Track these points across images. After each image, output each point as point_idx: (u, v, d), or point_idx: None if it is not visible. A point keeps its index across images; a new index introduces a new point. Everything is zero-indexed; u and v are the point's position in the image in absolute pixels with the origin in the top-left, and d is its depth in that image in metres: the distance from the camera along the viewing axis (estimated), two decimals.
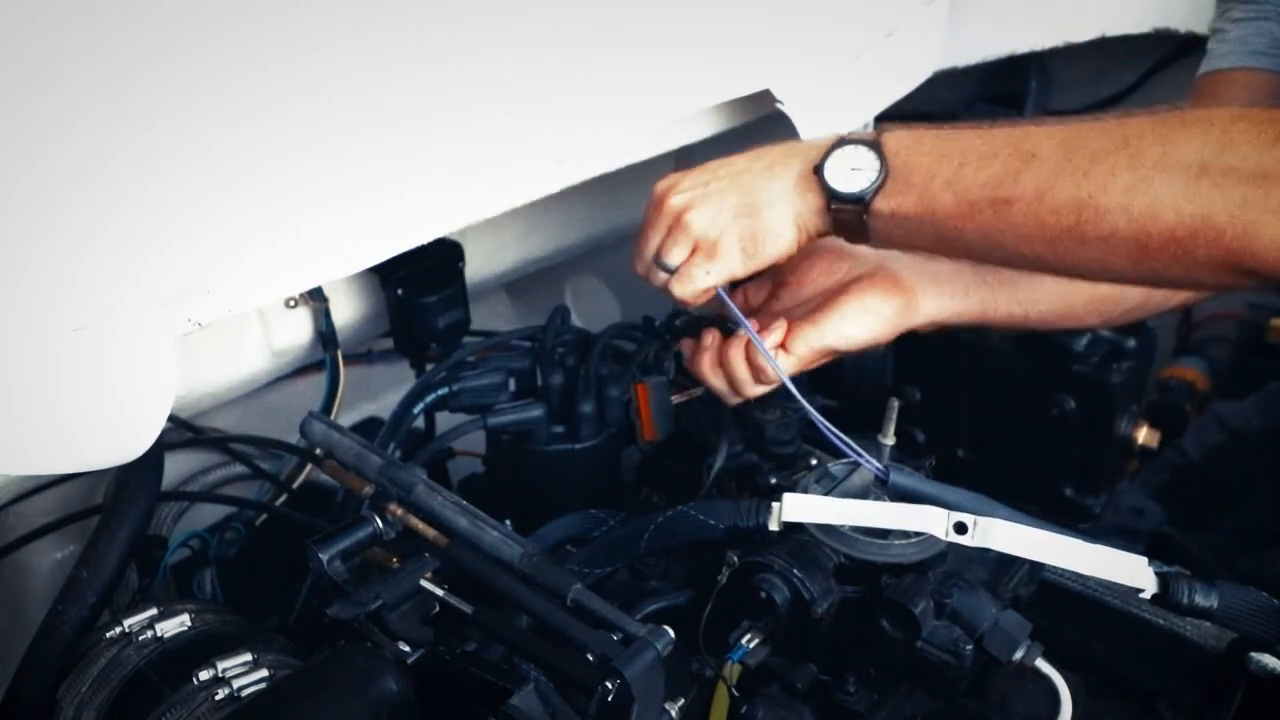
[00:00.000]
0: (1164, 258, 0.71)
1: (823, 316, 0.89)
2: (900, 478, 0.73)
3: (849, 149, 0.80)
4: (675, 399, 1.00)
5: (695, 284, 0.86)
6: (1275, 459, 1.09)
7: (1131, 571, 0.68)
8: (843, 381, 1.14)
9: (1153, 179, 0.69)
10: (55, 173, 0.55)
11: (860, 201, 0.79)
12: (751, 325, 0.87)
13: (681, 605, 0.81)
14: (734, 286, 0.89)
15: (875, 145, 0.80)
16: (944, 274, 0.92)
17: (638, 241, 0.90)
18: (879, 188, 0.79)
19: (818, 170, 0.81)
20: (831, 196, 0.81)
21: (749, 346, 0.88)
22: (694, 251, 0.86)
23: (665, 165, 1.43)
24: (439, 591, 0.70)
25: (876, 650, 0.70)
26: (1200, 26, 1.46)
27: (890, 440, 0.76)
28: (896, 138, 0.80)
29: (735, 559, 0.74)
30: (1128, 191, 0.70)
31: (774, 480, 0.83)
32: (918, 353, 1.08)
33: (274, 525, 1.05)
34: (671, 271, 0.87)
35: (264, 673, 0.66)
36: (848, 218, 0.81)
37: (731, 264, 0.85)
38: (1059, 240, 0.74)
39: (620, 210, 1.36)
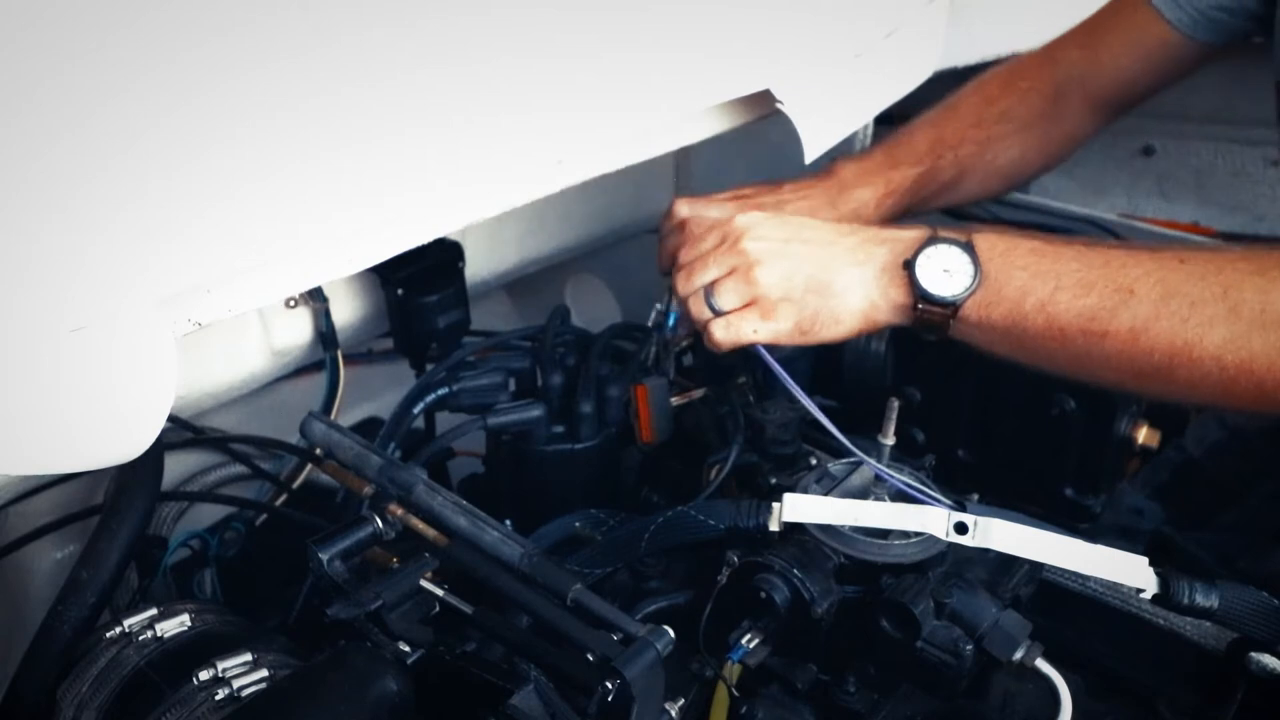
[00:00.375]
0: (1248, 399, 0.73)
1: None
2: None
3: (942, 248, 0.80)
4: (675, 401, 1.00)
5: (738, 337, 0.85)
6: (1275, 456, 1.09)
7: (1131, 571, 0.68)
8: (842, 381, 1.14)
9: (1251, 335, 0.70)
10: (55, 173, 0.55)
11: (950, 305, 0.79)
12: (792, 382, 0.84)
13: (681, 605, 0.81)
14: None
15: (969, 248, 0.79)
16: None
17: (688, 259, 0.88)
18: (971, 294, 0.78)
19: (908, 266, 0.80)
20: (921, 296, 0.80)
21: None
22: (749, 304, 0.84)
23: (665, 165, 1.43)
24: (439, 591, 0.70)
25: (876, 650, 0.70)
26: None
27: (890, 440, 0.76)
28: (989, 243, 0.80)
29: (735, 559, 0.74)
30: (1224, 344, 0.71)
31: (774, 480, 0.83)
32: (918, 353, 1.08)
33: (274, 525, 1.05)
34: (717, 313, 0.85)
35: (264, 673, 0.66)
36: (933, 318, 0.80)
37: (781, 332, 0.84)
38: (1147, 375, 0.75)
39: (620, 210, 1.36)
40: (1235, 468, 1.11)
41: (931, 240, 0.81)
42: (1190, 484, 1.11)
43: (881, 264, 0.82)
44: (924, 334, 0.83)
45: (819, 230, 0.86)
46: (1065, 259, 0.78)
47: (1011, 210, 1.73)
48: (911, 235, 0.83)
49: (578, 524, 0.90)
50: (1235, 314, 0.71)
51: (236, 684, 0.65)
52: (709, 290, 0.85)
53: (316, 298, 1.07)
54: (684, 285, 0.88)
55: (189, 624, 0.73)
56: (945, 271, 0.79)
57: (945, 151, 1.16)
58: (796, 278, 0.83)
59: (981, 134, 1.17)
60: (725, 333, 0.85)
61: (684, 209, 1.03)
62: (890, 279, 0.82)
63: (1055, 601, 0.79)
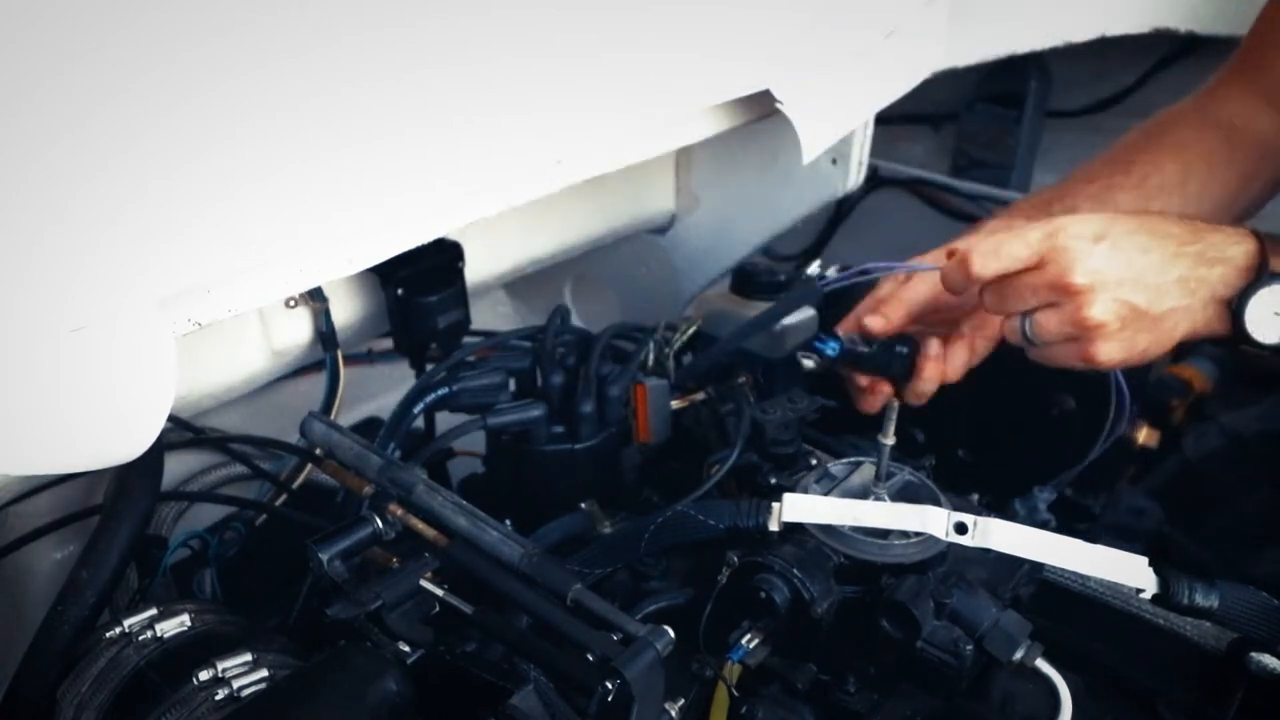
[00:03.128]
0: None
1: None
2: None
3: (1277, 289, 0.74)
4: (675, 404, 1.00)
5: (1067, 361, 0.80)
6: (1271, 460, 1.10)
7: (1131, 571, 0.68)
8: (843, 381, 1.13)
9: None
10: (55, 172, 0.55)
11: (1275, 349, 0.75)
12: None
13: (681, 605, 0.81)
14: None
15: None
16: None
17: (997, 270, 0.80)
18: None
19: (1235, 308, 0.76)
20: (1241, 338, 0.76)
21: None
22: (1071, 339, 0.80)
23: (665, 165, 1.43)
24: (439, 591, 0.70)
25: (876, 650, 0.70)
26: (1200, 26, 1.46)
27: (890, 440, 0.76)
28: None
29: (735, 559, 0.74)
30: None
31: (774, 480, 0.83)
32: None
33: (274, 525, 1.05)
34: (1031, 343, 0.81)
35: (264, 673, 0.66)
36: (1254, 359, 0.78)
37: (1106, 364, 0.80)
38: None
39: (620, 210, 1.36)
40: (1232, 472, 1.11)
41: (1264, 279, 0.74)
42: (1186, 488, 1.11)
43: (1210, 292, 0.77)
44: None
45: (1154, 254, 0.78)
46: None
47: None
48: (1242, 261, 0.76)
49: (584, 504, 0.90)
50: None
51: (236, 684, 0.65)
52: (1025, 318, 0.81)
53: (316, 298, 1.07)
54: (996, 304, 0.82)
55: (189, 624, 0.73)
56: (1276, 315, 0.75)
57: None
58: (1125, 312, 0.78)
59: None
60: (1047, 361, 0.82)
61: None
62: (1215, 313, 0.78)
63: (1055, 601, 0.79)
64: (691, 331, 1.09)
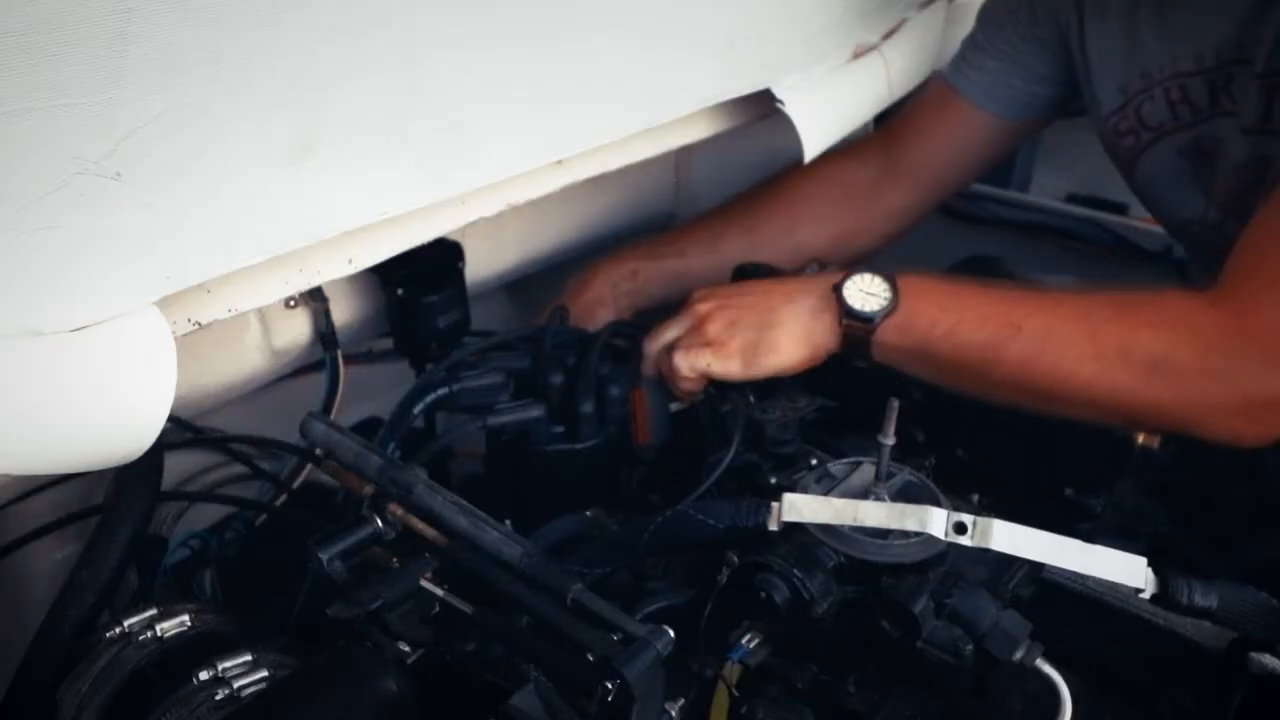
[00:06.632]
0: (1118, 422, 0.91)
1: None
2: None
3: (865, 276, 0.93)
4: (675, 405, 1.00)
5: (695, 364, 0.96)
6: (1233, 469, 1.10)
7: (1131, 571, 0.68)
8: (842, 381, 1.13)
9: (1113, 372, 0.84)
10: (54, 173, 0.55)
11: (869, 321, 0.91)
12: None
13: (681, 605, 0.81)
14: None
15: (889, 277, 0.92)
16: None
17: (657, 330, 1.01)
18: (888, 314, 0.91)
19: (836, 289, 0.93)
20: (845, 313, 0.92)
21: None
22: (705, 346, 0.96)
23: (665, 165, 1.43)
24: (439, 591, 0.70)
25: (876, 650, 0.70)
26: None
27: (890, 440, 0.76)
28: (907, 278, 0.93)
29: (735, 559, 0.74)
30: (1093, 378, 0.85)
31: (774, 480, 0.83)
32: None
33: (274, 525, 1.05)
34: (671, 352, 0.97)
35: (264, 673, 0.66)
36: (856, 334, 0.92)
37: (730, 362, 0.95)
38: (1035, 398, 0.89)
39: (620, 210, 1.36)
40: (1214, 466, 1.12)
41: (857, 269, 0.93)
42: (1176, 485, 1.11)
43: (815, 296, 0.95)
44: (853, 358, 0.94)
45: (757, 284, 1.02)
46: (969, 296, 0.91)
47: (1011, 210, 1.73)
48: (840, 271, 0.95)
49: (589, 513, 0.90)
50: (1100, 353, 0.84)
51: (236, 684, 0.65)
52: (671, 346, 0.98)
53: (316, 298, 1.07)
54: (651, 345, 1.01)
55: (189, 624, 0.73)
56: (868, 294, 0.92)
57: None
58: (740, 320, 0.96)
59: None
60: (684, 359, 0.96)
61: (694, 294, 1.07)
62: (822, 304, 0.94)
63: (1055, 601, 0.79)
64: None
